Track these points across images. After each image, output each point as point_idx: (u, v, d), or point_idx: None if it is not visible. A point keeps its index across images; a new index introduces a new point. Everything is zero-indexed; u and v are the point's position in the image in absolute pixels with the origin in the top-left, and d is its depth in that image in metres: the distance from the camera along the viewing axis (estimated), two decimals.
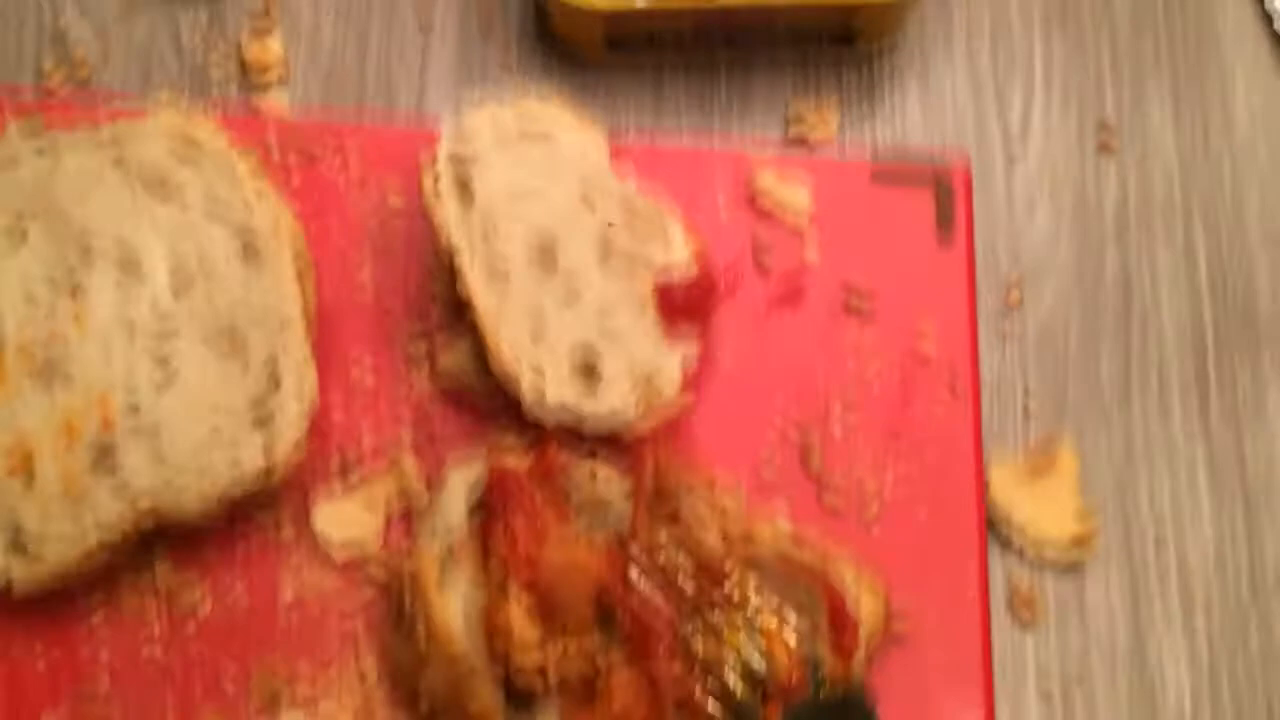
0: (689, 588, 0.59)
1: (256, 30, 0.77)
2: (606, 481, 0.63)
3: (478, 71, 0.79)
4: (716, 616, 0.57)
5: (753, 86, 0.80)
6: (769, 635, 0.57)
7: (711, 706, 0.56)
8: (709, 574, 0.59)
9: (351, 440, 0.67)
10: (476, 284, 0.65)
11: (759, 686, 0.57)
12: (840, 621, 0.59)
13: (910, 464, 0.69)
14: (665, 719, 0.57)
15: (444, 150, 0.68)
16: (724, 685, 0.56)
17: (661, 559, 0.59)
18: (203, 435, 0.62)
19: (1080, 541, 0.69)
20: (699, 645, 0.57)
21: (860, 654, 0.60)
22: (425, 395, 0.69)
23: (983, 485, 0.70)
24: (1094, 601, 0.70)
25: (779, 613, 0.58)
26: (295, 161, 0.73)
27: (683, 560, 0.60)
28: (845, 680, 0.60)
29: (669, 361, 0.67)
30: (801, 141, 0.80)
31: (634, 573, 0.59)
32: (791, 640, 0.57)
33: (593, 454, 0.64)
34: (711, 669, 0.56)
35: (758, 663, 0.57)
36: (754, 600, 0.58)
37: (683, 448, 0.68)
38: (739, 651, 0.57)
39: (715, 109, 0.81)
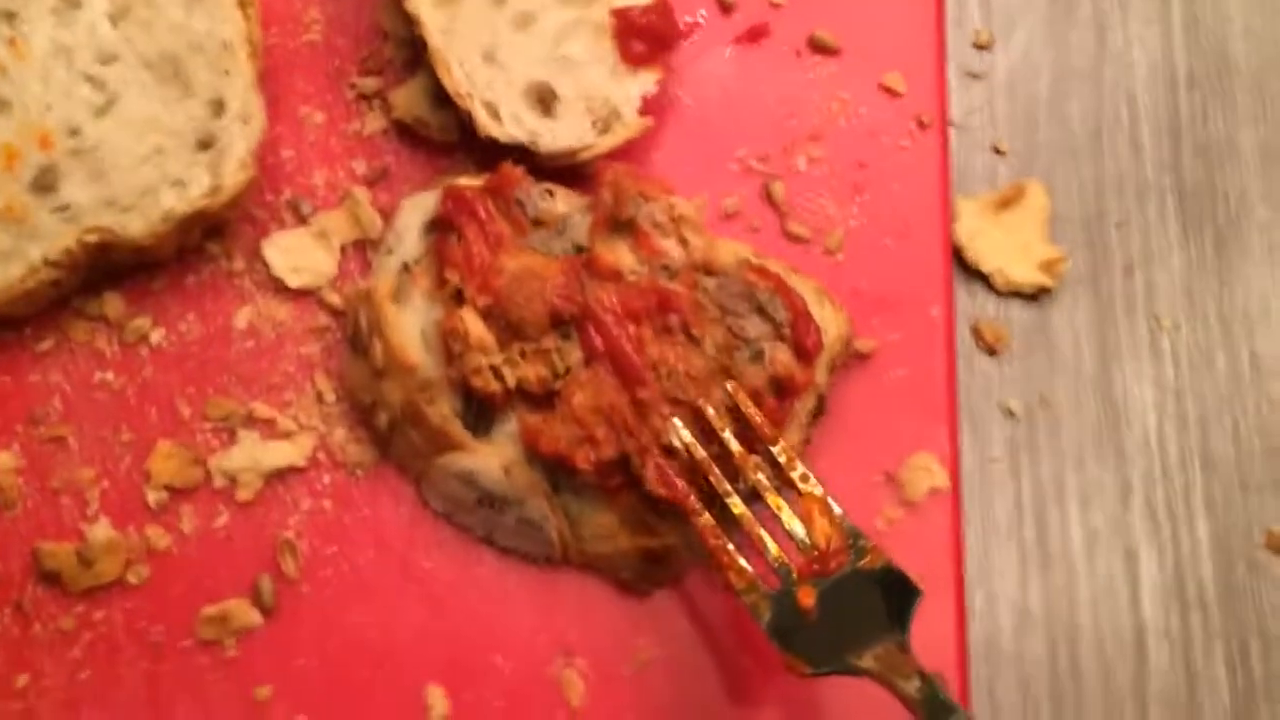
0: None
1: None
2: (564, 198, 0.62)
3: None
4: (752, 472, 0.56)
5: None
6: (810, 500, 0.55)
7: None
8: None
9: (303, 176, 0.66)
10: (424, 3, 0.63)
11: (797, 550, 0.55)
12: (802, 325, 0.59)
13: (876, 194, 0.68)
14: (627, 417, 0.56)
15: None
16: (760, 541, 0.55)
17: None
18: (144, 155, 0.60)
19: (1047, 268, 0.68)
20: (736, 506, 0.56)
21: (823, 359, 0.60)
22: (378, 131, 0.67)
23: (949, 214, 0.68)
24: (1060, 328, 0.69)
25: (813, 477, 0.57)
26: None
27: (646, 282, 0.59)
28: (809, 383, 0.59)
29: (626, 86, 0.65)
30: None
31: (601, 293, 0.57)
32: (835, 508, 0.55)
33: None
34: (749, 527, 0.55)
35: (798, 528, 0.55)
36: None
37: (643, 175, 0.67)
38: (780, 515, 0.55)
39: None
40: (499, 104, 0.63)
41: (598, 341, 0.57)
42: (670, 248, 0.60)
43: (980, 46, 0.75)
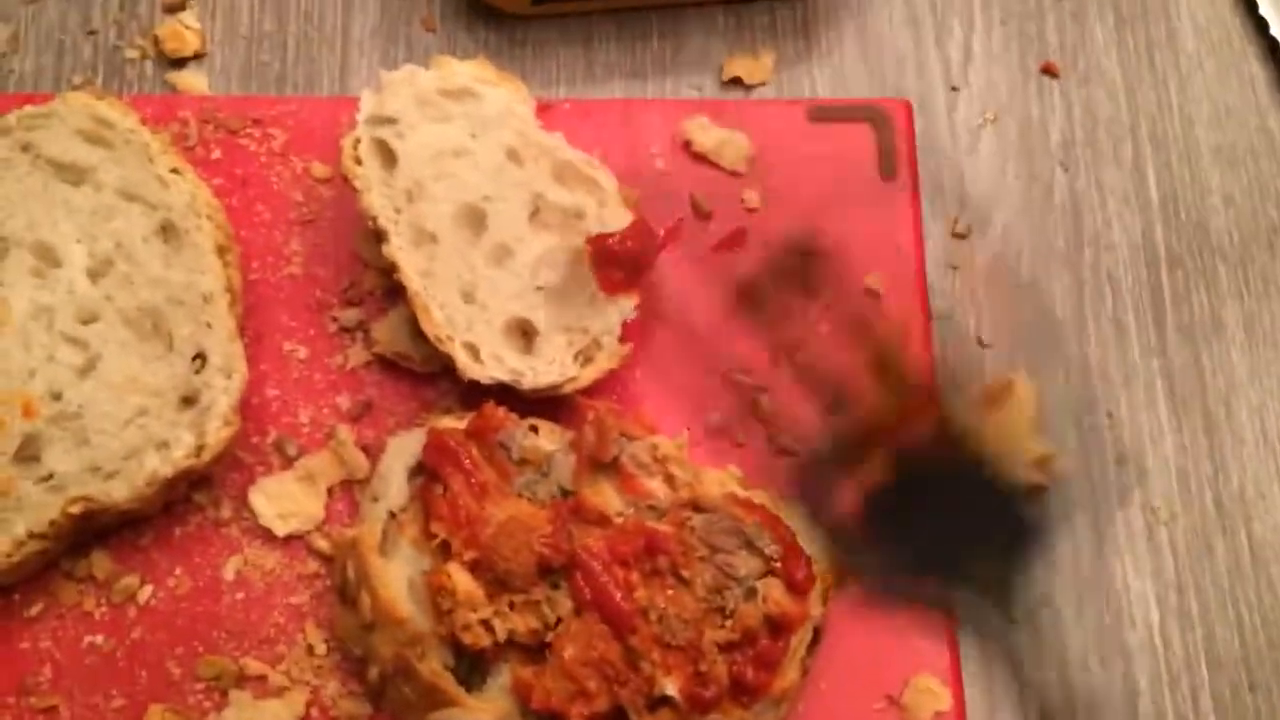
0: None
1: (169, 5, 0.75)
2: (548, 435, 0.61)
3: (401, 35, 0.77)
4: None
5: (685, 40, 0.78)
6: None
7: None
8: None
9: (287, 415, 0.66)
10: (402, 247, 0.64)
11: None
12: (792, 559, 0.58)
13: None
14: (619, 668, 0.55)
15: (363, 112, 0.66)
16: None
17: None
18: (127, 417, 0.60)
19: (1040, 466, 0.68)
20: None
21: (817, 591, 0.59)
22: (361, 365, 0.67)
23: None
24: (1056, 524, 0.68)
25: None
26: (214, 136, 0.71)
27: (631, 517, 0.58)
28: (805, 617, 0.58)
29: (606, 315, 0.65)
30: (737, 83, 0.78)
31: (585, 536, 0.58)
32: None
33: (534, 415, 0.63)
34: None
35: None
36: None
37: (626, 399, 0.67)
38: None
39: (648, 65, 0.79)
40: (480, 345, 0.63)
41: (585, 590, 0.57)
42: (656, 487, 0.60)
43: (959, 236, 0.75)
